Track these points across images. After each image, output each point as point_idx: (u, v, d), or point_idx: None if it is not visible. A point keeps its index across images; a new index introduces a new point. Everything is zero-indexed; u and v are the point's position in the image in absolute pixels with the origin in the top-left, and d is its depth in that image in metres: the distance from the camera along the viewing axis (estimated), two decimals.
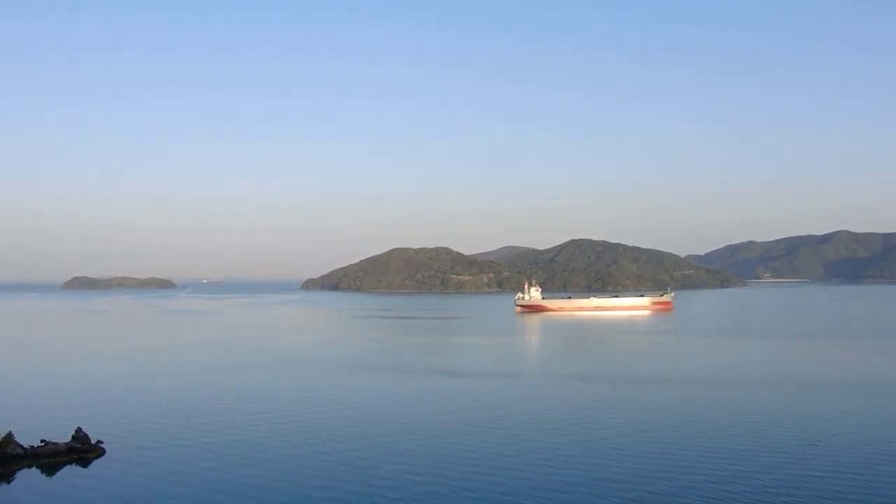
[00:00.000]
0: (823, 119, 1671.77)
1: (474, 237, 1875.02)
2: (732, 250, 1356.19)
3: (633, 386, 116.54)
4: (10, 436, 75.71)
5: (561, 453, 71.95)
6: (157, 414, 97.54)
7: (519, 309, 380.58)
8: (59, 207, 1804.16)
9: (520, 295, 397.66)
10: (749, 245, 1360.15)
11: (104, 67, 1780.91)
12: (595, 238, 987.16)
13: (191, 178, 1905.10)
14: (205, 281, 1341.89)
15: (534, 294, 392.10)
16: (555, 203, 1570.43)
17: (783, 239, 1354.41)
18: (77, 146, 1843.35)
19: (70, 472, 71.53)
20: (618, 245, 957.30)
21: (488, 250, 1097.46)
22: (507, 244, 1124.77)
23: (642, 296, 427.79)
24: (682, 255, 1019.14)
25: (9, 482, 68.26)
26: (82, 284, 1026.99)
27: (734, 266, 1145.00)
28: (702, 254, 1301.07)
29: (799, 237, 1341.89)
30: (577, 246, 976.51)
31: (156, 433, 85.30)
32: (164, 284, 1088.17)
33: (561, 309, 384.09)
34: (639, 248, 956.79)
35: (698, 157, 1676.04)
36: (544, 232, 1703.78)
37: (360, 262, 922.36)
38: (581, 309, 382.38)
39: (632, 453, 71.69)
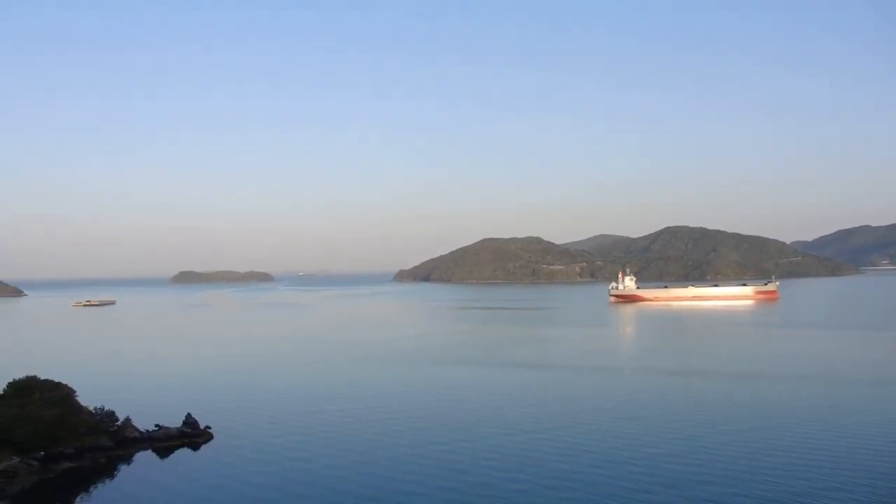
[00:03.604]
0: None
1: (566, 226, 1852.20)
2: (844, 236, 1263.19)
3: (735, 381, 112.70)
4: (128, 420, 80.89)
5: (656, 452, 70.07)
6: (259, 402, 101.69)
7: (613, 299, 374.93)
8: (167, 207, 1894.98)
9: (613, 285, 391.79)
10: (863, 230, 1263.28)
11: (197, 60, 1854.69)
12: (692, 225, 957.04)
13: (286, 176, 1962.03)
14: (301, 274, 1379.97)
15: (628, 283, 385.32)
16: (649, 190, 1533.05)
17: None
18: (182, 149, 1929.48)
19: (181, 455, 75.75)
20: (717, 232, 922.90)
21: (580, 239, 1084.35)
22: (600, 233, 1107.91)
23: (744, 285, 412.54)
24: (788, 242, 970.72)
25: (128, 463, 72.96)
26: (188, 279, 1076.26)
27: (846, 253, 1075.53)
28: (810, 240, 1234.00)
29: None
30: (672, 233, 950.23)
31: (260, 421, 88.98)
32: (263, 278, 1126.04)
33: (657, 299, 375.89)
34: (740, 234, 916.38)
35: (801, 136, 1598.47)
36: (638, 220, 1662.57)
37: (451, 253, 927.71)
38: (678, 299, 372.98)
39: (732, 454, 69.08)
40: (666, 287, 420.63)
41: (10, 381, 78.43)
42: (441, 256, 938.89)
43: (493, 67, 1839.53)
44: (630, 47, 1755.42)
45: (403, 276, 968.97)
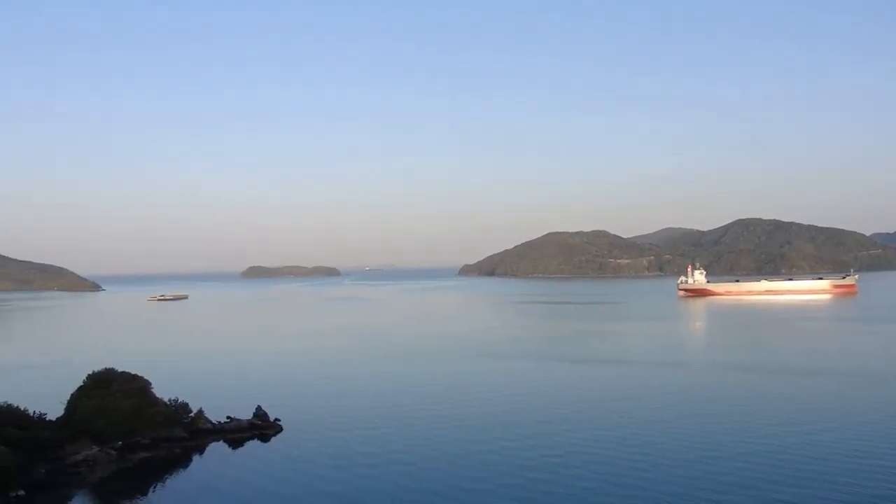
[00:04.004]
0: None
1: (632, 219, 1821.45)
2: None
3: (810, 379, 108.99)
4: (201, 412, 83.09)
5: (727, 451, 67.93)
6: (327, 395, 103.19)
7: (682, 293, 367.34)
8: (236, 204, 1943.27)
9: (682, 279, 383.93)
10: None
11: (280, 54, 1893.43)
12: (764, 217, 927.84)
13: (352, 171, 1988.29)
14: (367, 268, 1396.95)
15: (698, 277, 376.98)
16: (718, 181, 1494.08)
17: None
18: (252, 147, 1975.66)
19: (252, 446, 77.39)
20: (791, 224, 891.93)
21: (647, 233, 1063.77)
22: (668, 226, 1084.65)
23: (821, 278, 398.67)
24: (868, 234, 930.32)
25: (201, 454, 74.94)
26: (258, 273, 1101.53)
27: None
28: (891, 231, 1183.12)
29: None
30: (744, 226, 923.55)
31: (328, 414, 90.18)
32: (330, 272, 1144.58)
33: (728, 293, 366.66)
34: (815, 226, 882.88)
35: (880, 123, 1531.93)
36: (707, 212, 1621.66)
37: (516, 247, 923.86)
38: (750, 293, 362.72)
39: (809, 455, 66.58)
40: (737, 281, 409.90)
41: (90, 373, 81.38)
42: (506, 251, 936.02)
43: (552, 62, 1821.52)
44: (689, 36, 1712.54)
45: (468, 270, 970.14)
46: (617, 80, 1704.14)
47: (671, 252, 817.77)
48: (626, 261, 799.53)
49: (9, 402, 71.48)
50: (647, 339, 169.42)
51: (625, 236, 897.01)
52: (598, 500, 55.02)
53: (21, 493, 59.07)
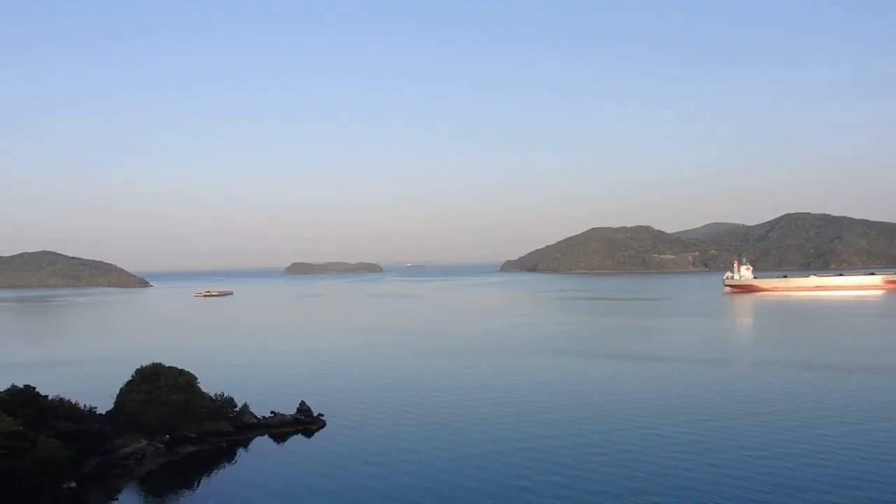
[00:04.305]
0: None
1: (677, 214, 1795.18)
2: None
3: (862, 377, 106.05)
4: (246, 406, 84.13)
5: (777, 452, 66.45)
6: (370, 391, 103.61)
7: (728, 289, 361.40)
8: (281, 201, 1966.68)
9: (728, 274, 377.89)
10: None
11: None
12: (814, 211, 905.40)
13: (395, 168, 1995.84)
14: (409, 265, 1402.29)
15: (744, 273, 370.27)
16: (766, 175, 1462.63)
17: None
18: (295, 145, 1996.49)
19: (296, 441, 78.06)
20: (841, 218, 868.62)
21: (692, 228, 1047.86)
22: (713, 220, 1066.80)
23: (873, 274, 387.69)
24: None
25: (246, 448, 75.83)
26: (301, 270, 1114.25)
27: None
28: None
29: None
30: (792, 220, 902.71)
31: (371, 409, 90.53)
32: (372, 269, 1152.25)
33: (775, 289, 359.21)
34: (868, 220, 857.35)
35: None
36: (754, 207, 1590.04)
37: (558, 243, 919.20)
38: (799, 289, 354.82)
39: (863, 456, 64.74)
40: (785, 277, 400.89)
41: (138, 367, 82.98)
42: (548, 246, 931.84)
43: (594, 60, 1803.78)
44: (731, 29, 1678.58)
45: (510, 266, 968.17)
46: (660, 75, 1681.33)
47: (716, 247, 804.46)
48: (671, 256, 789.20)
49: (61, 396, 73.20)
50: (692, 336, 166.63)
51: (669, 231, 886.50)
52: (642, 499, 54.12)
53: (73, 484, 60.43)
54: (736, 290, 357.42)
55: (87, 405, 75.15)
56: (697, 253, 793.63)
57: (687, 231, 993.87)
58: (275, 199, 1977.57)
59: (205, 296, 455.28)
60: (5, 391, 68.43)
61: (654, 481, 57.84)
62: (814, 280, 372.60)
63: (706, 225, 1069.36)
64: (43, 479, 56.16)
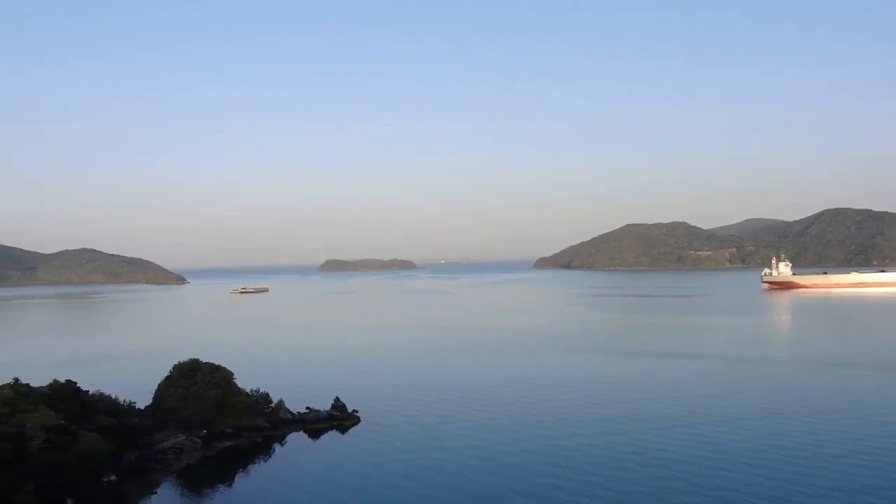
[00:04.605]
0: None
1: (713, 210, 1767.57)
2: None
3: None
4: (281, 402, 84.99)
5: (818, 452, 65.11)
6: (404, 387, 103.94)
7: (766, 286, 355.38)
8: (314, 198, 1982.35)
9: (767, 271, 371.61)
10: None
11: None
12: (855, 207, 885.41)
13: (428, 165, 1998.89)
14: (442, 261, 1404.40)
15: (783, 269, 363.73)
16: (805, 170, 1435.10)
17: None
18: (329, 143, 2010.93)
19: (331, 437, 78.62)
20: (884, 214, 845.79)
21: (729, 224, 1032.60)
22: (751, 216, 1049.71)
23: None
24: None
25: (281, 443, 76.61)
26: (335, 267, 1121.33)
27: None
28: None
29: None
30: (832, 216, 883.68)
31: (405, 406, 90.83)
32: (405, 265, 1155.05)
33: (815, 286, 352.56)
34: None
35: None
36: (793, 202, 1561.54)
37: (592, 239, 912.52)
38: (839, 285, 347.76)
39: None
40: (825, 273, 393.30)
41: (176, 363, 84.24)
42: (582, 243, 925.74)
43: (639, 56, 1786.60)
44: (767, 24, 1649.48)
45: (544, 263, 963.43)
46: (696, 72, 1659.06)
47: (754, 243, 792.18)
48: (707, 253, 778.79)
49: (101, 391, 74.66)
50: (730, 334, 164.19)
51: (705, 227, 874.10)
52: (677, 499, 53.46)
53: (113, 478, 61.62)
54: (774, 286, 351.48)
55: (127, 400, 76.59)
56: (735, 249, 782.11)
57: (724, 227, 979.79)
58: (310, 196, 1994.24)
59: (241, 292, 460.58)
60: (48, 386, 69.99)
61: (690, 481, 57.18)
62: (854, 276, 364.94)
63: (744, 221, 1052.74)
64: (84, 472, 57.29)
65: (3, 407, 58.42)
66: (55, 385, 70.52)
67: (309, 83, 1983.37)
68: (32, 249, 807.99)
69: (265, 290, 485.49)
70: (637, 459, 63.79)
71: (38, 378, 74.30)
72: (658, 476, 58.85)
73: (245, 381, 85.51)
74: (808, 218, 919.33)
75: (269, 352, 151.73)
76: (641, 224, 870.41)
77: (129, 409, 75.98)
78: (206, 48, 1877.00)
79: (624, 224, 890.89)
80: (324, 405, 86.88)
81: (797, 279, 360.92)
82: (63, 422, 59.80)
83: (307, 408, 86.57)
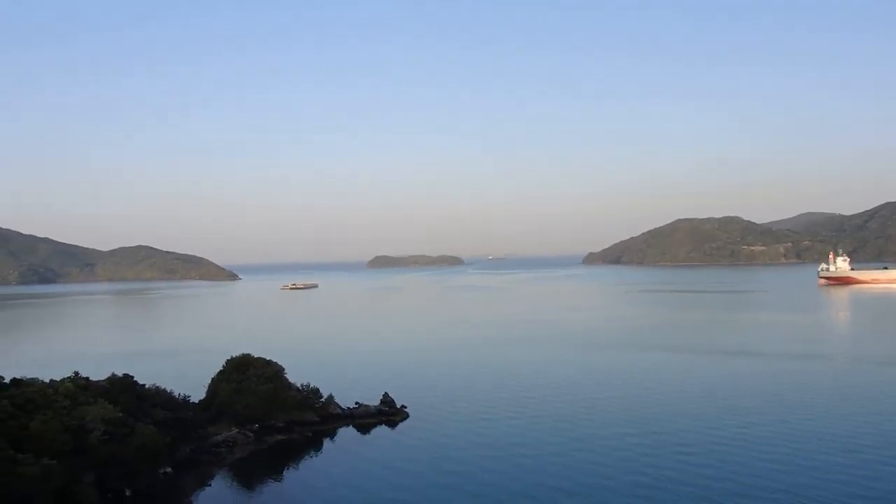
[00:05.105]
0: None
1: (768, 204, 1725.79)
2: None
3: None
4: (331, 397, 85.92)
5: (876, 457, 62.65)
6: (452, 383, 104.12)
7: (823, 281, 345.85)
8: (363, 194, 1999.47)
9: (823, 266, 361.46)
10: None
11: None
12: None
13: (476, 162, 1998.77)
14: (490, 257, 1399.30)
15: (841, 265, 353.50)
16: (864, 162, 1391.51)
17: None
18: (383, 139, 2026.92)
19: (380, 432, 79.14)
20: None
21: (784, 218, 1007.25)
22: (807, 210, 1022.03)
23: None
24: None
25: (331, 438, 77.43)
26: (383, 263, 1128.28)
27: None
28: None
29: None
30: (893, 209, 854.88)
31: (453, 401, 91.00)
32: (454, 261, 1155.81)
33: (875, 281, 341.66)
34: None
35: None
36: (851, 195, 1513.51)
37: (643, 234, 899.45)
38: None
39: None
40: (885, 268, 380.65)
41: (229, 357, 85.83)
42: (632, 238, 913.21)
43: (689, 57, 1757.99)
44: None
45: (593, 258, 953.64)
46: (745, 73, 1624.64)
47: (811, 238, 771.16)
48: (761, 247, 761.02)
49: (157, 385, 76.48)
50: (785, 331, 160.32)
51: (759, 222, 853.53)
52: (731, 503, 52.29)
53: (169, 470, 63.09)
54: (832, 282, 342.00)
55: (181, 394, 78.32)
56: (790, 244, 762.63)
57: (779, 221, 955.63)
58: (359, 192, 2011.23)
59: (291, 288, 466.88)
60: (106, 379, 71.99)
61: (746, 483, 55.89)
62: None
63: (800, 215, 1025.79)
64: (142, 464, 58.73)
65: (64, 400, 60.28)
66: (113, 379, 72.52)
67: (358, 86, 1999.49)
68: (91, 247, 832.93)
69: (315, 287, 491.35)
70: (690, 460, 62.60)
71: (97, 372, 76.56)
72: (712, 477, 57.71)
73: (296, 376, 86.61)
74: (867, 211, 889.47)
75: (318, 347, 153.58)
76: (693, 218, 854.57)
77: (184, 402, 77.71)
78: (251, 55, 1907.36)
79: (675, 219, 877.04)
80: (373, 400, 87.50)
81: (855, 274, 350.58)
82: (121, 415, 61.42)
83: (356, 403, 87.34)
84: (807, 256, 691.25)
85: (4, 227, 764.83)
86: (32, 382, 64.81)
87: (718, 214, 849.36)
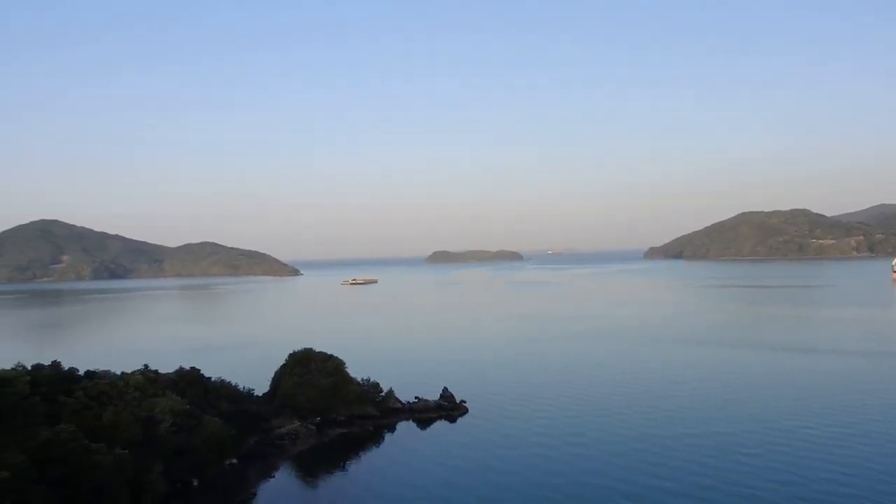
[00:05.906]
0: None
1: (838, 196, 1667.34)
2: None
3: None
4: (391, 391, 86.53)
5: None
6: (512, 378, 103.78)
7: None
8: (424, 190, 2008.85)
9: None
10: None
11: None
12: None
13: (535, 158, 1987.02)
14: (549, 252, 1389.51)
15: None
16: None
17: None
18: (439, 136, 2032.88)
19: (439, 426, 79.37)
20: None
21: (855, 210, 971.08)
22: (881, 202, 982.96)
23: None
24: None
25: (391, 432, 77.99)
26: (442, 258, 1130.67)
27: None
28: None
29: None
30: None
31: (512, 396, 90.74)
32: (513, 257, 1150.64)
33: None
34: None
35: None
36: None
37: (706, 228, 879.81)
38: None
39: None
40: None
41: (291, 352, 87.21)
42: (694, 232, 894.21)
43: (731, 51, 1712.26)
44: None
45: (654, 253, 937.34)
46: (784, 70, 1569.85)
47: (884, 231, 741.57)
48: (831, 241, 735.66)
49: (222, 378, 78.28)
50: (857, 327, 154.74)
51: (829, 215, 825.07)
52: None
53: (234, 461, 64.54)
54: None
55: (246, 387, 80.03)
56: (862, 237, 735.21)
57: (850, 214, 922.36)
58: (419, 188, 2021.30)
59: (351, 284, 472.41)
60: (174, 372, 74.01)
61: (815, 488, 54.26)
62: None
63: (872, 207, 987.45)
64: (209, 454, 60.22)
65: (134, 392, 62.25)
66: (181, 372, 74.55)
67: (411, 81, 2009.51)
68: (159, 243, 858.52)
69: (374, 282, 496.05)
70: (754, 462, 60.96)
71: (165, 365, 78.77)
72: (777, 481, 56.21)
73: (356, 370, 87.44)
74: None
75: (378, 341, 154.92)
76: (758, 212, 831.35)
77: (248, 395, 79.39)
78: (314, 50, 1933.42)
79: (739, 212, 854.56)
80: (432, 395, 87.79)
81: None
82: (188, 407, 63.07)
83: (416, 397, 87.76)
84: (880, 250, 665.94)
85: (78, 224, 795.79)
86: (105, 375, 67.12)
87: (785, 207, 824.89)
